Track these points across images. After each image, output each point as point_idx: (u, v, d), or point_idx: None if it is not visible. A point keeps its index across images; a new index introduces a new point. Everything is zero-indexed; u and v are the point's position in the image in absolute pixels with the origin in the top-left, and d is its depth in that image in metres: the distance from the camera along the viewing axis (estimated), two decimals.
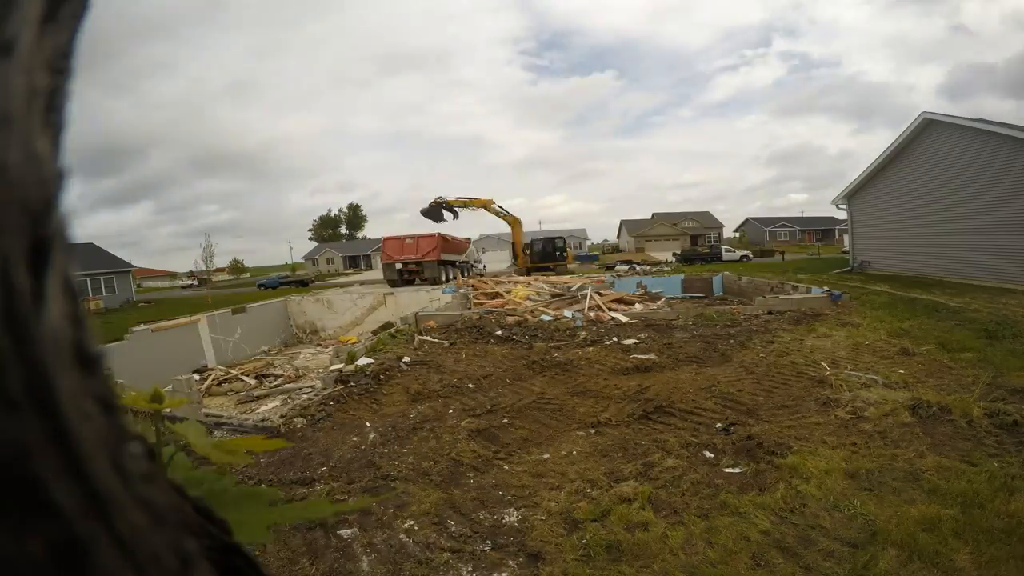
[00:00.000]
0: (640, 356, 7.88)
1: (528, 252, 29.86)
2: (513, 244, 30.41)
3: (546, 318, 11.16)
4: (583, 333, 9.77)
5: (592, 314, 11.44)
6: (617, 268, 32.98)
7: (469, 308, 12.89)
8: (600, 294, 13.68)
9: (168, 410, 0.48)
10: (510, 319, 11.10)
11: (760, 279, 15.43)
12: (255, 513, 0.37)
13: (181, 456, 0.45)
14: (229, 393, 9.37)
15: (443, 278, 21.63)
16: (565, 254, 30.36)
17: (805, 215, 70.26)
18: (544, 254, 29.85)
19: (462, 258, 26.64)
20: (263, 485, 4.36)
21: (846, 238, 26.11)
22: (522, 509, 3.78)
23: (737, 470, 4.12)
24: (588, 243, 73.38)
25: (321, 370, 9.40)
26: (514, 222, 28.29)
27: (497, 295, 14.75)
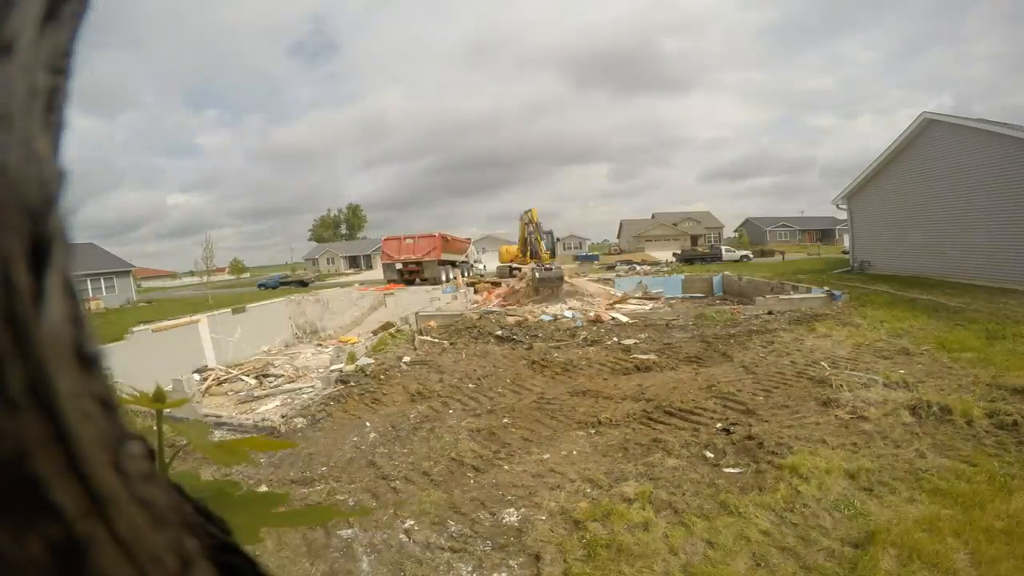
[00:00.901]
0: (640, 356, 7.88)
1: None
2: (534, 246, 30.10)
3: (546, 318, 11.17)
4: (583, 333, 9.77)
5: (592, 314, 11.44)
6: (617, 268, 33.00)
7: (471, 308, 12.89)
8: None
9: (169, 410, 0.48)
10: (510, 319, 11.10)
11: (760, 279, 15.44)
12: (256, 517, 0.37)
13: (188, 474, 0.45)
14: (229, 393, 9.36)
15: (443, 278, 21.62)
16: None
17: (805, 215, 70.26)
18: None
19: (462, 258, 26.62)
20: (263, 485, 4.37)
21: (846, 238, 26.10)
22: (522, 509, 3.77)
23: (737, 470, 4.11)
24: (588, 243, 73.37)
25: (321, 370, 9.40)
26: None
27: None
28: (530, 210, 25.41)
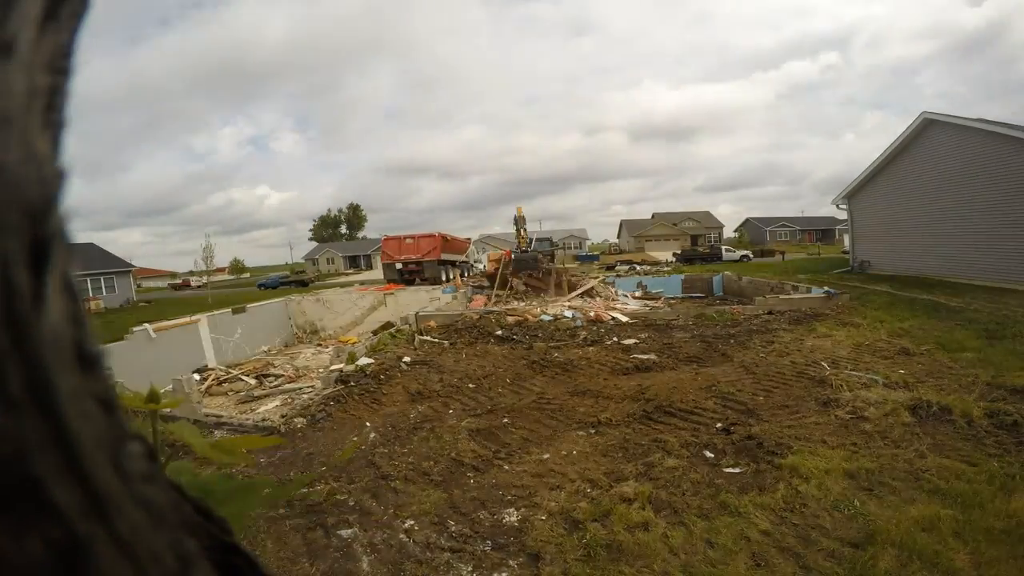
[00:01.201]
0: (640, 356, 7.88)
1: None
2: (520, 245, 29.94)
3: (546, 318, 11.16)
4: (583, 333, 9.77)
5: (592, 314, 11.44)
6: (617, 268, 33.00)
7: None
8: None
9: (167, 410, 0.48)
10: (510, 319, 11.10)
11: (760, 279, 15.43)
12: (247, 504, 0.37)
13: (184, 463, 0.45)
14: (229, 393, 9.36)
15: (443, 278, 21.61)
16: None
17: (805, 215, 70.33)
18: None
19: (462, 258, 26.62)
20: None
21: (846, 238, 26.10)
22: (522, 509, 3.78)
23: (737, 470, 4.11)
24: (588, 243, 73.36)
25: (321, 370, 9.40)
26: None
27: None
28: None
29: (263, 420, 6.33)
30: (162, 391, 0.50)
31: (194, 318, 11.54)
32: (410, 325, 11.04)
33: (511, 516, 3.71)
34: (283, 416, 6.13)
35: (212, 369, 10.75)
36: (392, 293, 15.61)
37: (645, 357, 7.79)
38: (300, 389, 8.56)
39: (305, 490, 4.30)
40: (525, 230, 23.73)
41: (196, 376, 9.70)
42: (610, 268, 34.15)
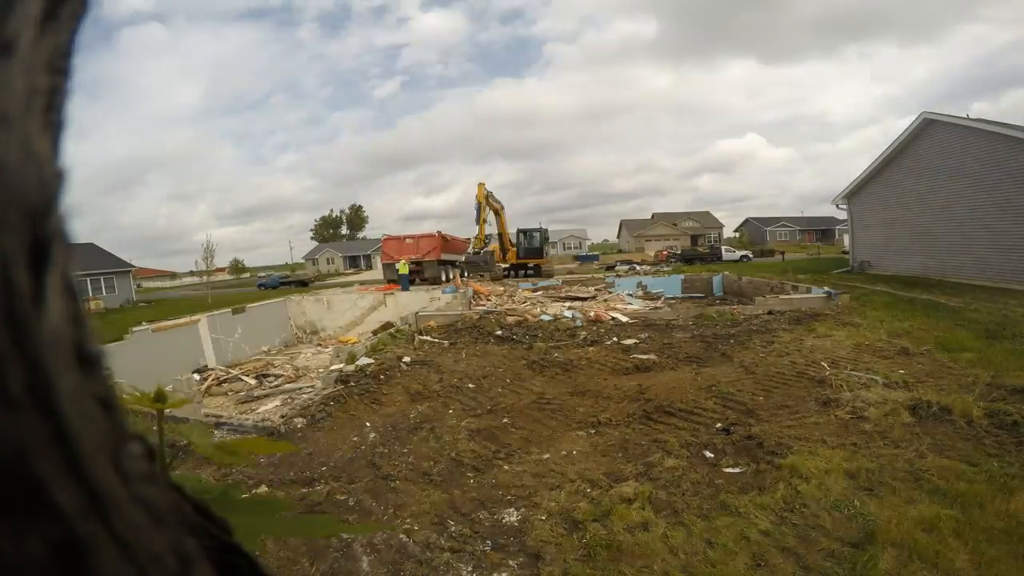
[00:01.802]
0: (640, 356, 7.88)
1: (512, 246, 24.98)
2: (500, 235, 25.49)
3: (546, 318, 11.16)
4: (583, 333, 9.77)
5: (592, 314, 11.44)
6: (617, 268, 32.98)
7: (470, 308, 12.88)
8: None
9: (170, 410, 0.48)
10: (510, 319, 11.10)
11: (760, 279, 15.43)
12: (261, 522, 0.37)
13: (196, 477, 0.45)
14: (229, 393, 9.36)
15: (443, 278, 21.58)
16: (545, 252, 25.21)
17: (805, 215, 70.29)
18: (527, 250, 25.22)
19: (462, 258, 26.54)
20: (263, 485, 4.37)
21: (846, 238, 26.10)
22: (522, 509, 3.78)
23: (737, 470, 4.11)
24: (588, 243, 73.31)
25: (321, 370, 9.40)
26: (500, 210, 24.55)
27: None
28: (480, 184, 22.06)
29: (263, 420, 6.33)
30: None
31: (194, 318, 11.54)
32: (410, 325, 11.05)
33: (511, 516, 3.71)
34: (283, 416, 6.12)
35: (212, 369, 10.75)
36: (392, 293, 15.62)
37: (645, 357, 7.79)
38: (300, 389, 8.56)
39: (305, 490, 4.30)
40: (485, 220, 20.41)
41: (196, 376, 9.72)
42: (610, 268, 34.12)
